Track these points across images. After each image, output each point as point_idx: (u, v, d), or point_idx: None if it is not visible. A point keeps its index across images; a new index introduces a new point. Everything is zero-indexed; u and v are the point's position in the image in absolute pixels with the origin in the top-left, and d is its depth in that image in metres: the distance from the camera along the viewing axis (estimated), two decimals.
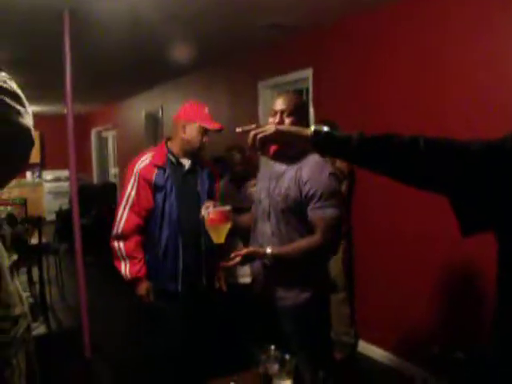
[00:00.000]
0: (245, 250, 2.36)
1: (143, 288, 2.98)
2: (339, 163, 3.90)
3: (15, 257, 4.24)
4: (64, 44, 3.92)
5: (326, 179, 2.39)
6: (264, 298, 2.54)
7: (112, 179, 12.33)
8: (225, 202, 2.66)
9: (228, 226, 2.41)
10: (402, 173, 1.45)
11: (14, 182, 11.30)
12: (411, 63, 3.86)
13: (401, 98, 3.96)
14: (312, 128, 1.53)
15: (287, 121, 2.42)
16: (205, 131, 2.98)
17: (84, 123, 12.87)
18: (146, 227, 3.00)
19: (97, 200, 9.53)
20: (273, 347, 2.27)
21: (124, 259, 2.97)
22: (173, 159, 3.04)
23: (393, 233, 4.09)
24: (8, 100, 1.30)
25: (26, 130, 1.33)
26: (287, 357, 2.18)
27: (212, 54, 6.00)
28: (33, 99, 9.21)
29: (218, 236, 2.40)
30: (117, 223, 2.99)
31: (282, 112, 2.44)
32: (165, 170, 2.99)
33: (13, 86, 1.36)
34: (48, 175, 12.91)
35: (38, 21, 4.13)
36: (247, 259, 2.37)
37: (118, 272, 3.00)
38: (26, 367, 1.58)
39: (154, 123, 9.37)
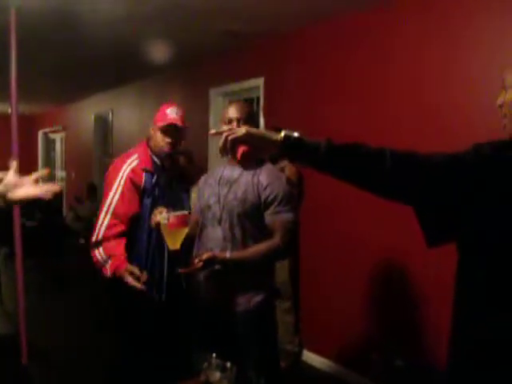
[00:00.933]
0: (206, 255, 2.32)
1: (126, 275, 2.64)
2: (288, 172, 3.93)
3: None
4: (10, 42, 3.81)
5: (284, 184, 2.46)
6: (213, 304, 2.52)
7: (59, 183, 12.05)
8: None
9: (185, 230, 2.39)
10: (367, 183, 1.48)
11: None
12: (362, 75, 3.95)
13: (351, 109, 4.03)
14: (282, 133, 1.53)
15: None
16: (164, 131, 2.86)
17: (30, 124, 12.54)
18: (131, 234, 2.82)
19: (42, 203, 9.29)
20: (214, 355, 2.25)
21: (106, 262, 2.75)
22: (158, 162, 2.92)
23: (337, 241, 4.15)
24: None
25: None
26: (228, 364, 2.17)
27: (165, 60, 5.95)
28: None
29: (175, 241, 2.37)
30: (97, 230, 2.81)
31: (238, 120, 2.45)
32: (153, 175, 2.87)
33: None
34: None
35: None
36: (208, 264, 2.32)
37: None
38: None
39: (103, 126, 9.23)
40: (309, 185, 4.17)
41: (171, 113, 2.89)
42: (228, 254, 2.39)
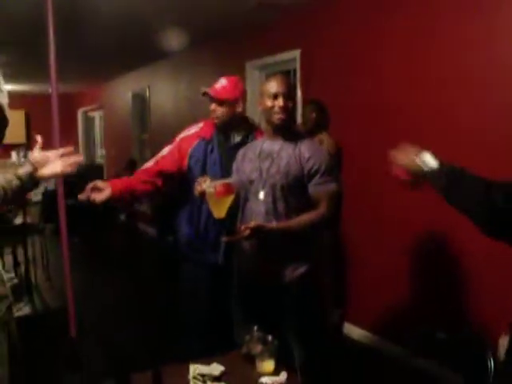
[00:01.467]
0: (253, 223, 2.33)
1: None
2: (326, 144, 3.90)
3: None
4: (48, 23, 3.85)
5: (325, 155, 2.51)
6: (257, 275, 2.54)
7: (99, 160, 12.24)
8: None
9: (231, 198, 2.44)
10: (480, 221, 1.49)
11: None
12: (403, 43, 3.84)
13: (390, 79, 3.95)
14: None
15: (290, 104, 2.48)
16: (210, 100, 2.95)
17: (70, 103, 12.73)
18: (184, 197, 2.99)
19: (83, 181, 9.47)
20: (255, 328, 2.28)
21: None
22: (219, 133, 2.99)
23: (377, 214, 4.11)
24: None
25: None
26: (270, 337, 2.20)
27: (200, 34, 5.93)
28: (17, 78, 9.09)
29: (220, 210, 2.42)
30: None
31: (283, 94, 2.46)
32: (208, 143, 2.96)
33: None
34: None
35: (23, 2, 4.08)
36: (254, 233, 2.33)
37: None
38: (8, 347, 1.58)
39: (141, 104, 9.31)
40: (347, 159, 4.14)
41: (216, 85, 2.98)
42: (275, 224, 2.41)
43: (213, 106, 2.94)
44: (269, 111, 2.49)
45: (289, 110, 2.48)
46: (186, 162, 2.95)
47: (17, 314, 4.75)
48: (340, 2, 4.34)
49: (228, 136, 2.98)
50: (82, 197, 2.72)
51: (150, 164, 3.02)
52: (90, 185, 2.74)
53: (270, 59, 5.30)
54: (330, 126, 4.10)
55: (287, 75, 2.68)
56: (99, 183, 2.75)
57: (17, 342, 1.67)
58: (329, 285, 4.21)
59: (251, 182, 2.54)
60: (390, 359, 3.92)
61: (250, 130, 3.00)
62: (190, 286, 3.05)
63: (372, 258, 4.17)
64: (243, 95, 3.02)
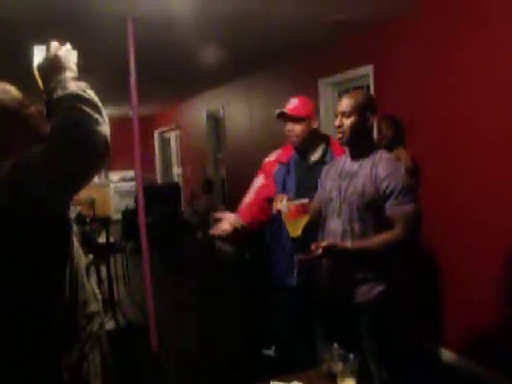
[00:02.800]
0: (326, 242, 2.36)
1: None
2: (403, 159, 3.84)
3: (91, 257, 4.41)
4: (128, 49, 4.04)
5: (402, 175, 2.44)
6: (335, 293, 2.55)
7: (176, 179, 12.57)
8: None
9: (306, 218, 2.45)
10: None
11: None
12: (480, 58, 3.73)
13: (468, 93, 3.85)
14: None
15: (347, 122, 2.48)
16: (286, 120, 3.01)
17: (147, 124, 13.19)
18: (271, 225, 3.06)
19: (161, 199, 9.76)
20: (336, 345, 2.27)
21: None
22: (296, 154, 3.08)
23: (458, 227, 3.99)
24: (87, 109, 1.38)
25: (104, 137, 1.39)
26: (351, 356, 2.19)
27: (273, 53, 6.01)
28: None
29: (296, 229, 2.44)
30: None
31: (343, 114, 2.50)
32: (286, 166, 3.05)
33: (91, 94, 1.44)
34: (114, 176, 13.29)
35: (103, 28, 4.29)
36: (327, 252, 2.35)
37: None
38: (101, 361, 1.67)
39: (215, 123, 9.51)
40: (424, 175, 4.06)
41: (289, 104, 3.06)
42: (349, 244, 2.40)
43: (289, 125, 2.99)
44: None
45: (350, 128, 2.48)
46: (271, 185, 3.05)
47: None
48: (412, 17, 4.29)
49: (305, 156, 3.02)
50: (214, 232, 2.89)
51: (250, 198, 3.09)
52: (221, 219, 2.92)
53: (342, 76, 5.30)
54: (406, 142, 4.05)
55: (361, 91, 2.67)
56: (227, 215, 2.94)
57: (108, 356, 1.75)
58: (411, 307, 4.11)
59: (331, 200, 2.56)
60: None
61: (326, 146, 3.03)
62: (275, 305, 3.13)
63: (463, 277, 4.03)
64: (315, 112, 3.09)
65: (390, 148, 3.90)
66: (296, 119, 2.97)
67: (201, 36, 4.91)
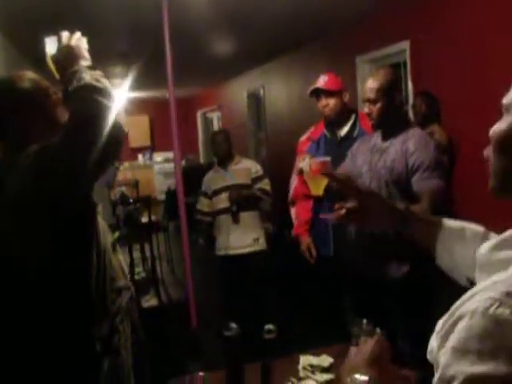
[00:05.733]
0: (350, 203, 2.39)
1: (303, 244, 3.25)
2: (438, 136, 3.80)
3: (117, 234, 4.54)
4: (164, 31, 4.08)
5: (432, 150, 2.44)
6: (364, 269, 2.57)
7: None
8: None
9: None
10: None
11: (127, 165, 11.98)
12: None
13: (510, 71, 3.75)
14: None
15: (374, 109, 2.49)
16: (316, 99, 3.11)
17: (190, 106, 13.30)
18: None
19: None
20: (365, 321, 2.29)
21: (294, 221, 3.35)
22: (326, 131, 3.17)
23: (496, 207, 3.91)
24: (102, 99, 1.44)
25: (119, 126, 1.46)
26: (378, 331, 2.20)
27: (311, 31, 5.97)
28: (140, 86, 9.66)
29: (317, 187, 2.43)
30: (290, 190, 3.34)
31: (369, 101, 2.50)
32: (316, 143, 3.15)
33: (106, 84, 1.50)
34: (158, 157, 13.48)
35: (138, 10, 4.36)
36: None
37: None
38: (132, 334, 1.75)
39: (256, 103, 9.52)
40: (463, 153, 4.00)
41: (321, 79, 3.15)
42: None
43: (323, 101, 3.07)
44: None
45: (378, 114, 2.49)
46: None
47: (145, 305, 5.11)
48: None
49: (334, 131, 3.05)
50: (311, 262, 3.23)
51: (297, 189, 3.23)
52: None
53: (379, 52, 5.24)
54: (442, 119, 3.98)
55: (383, 70, 2.62)
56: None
57: (140, 331, 1.84)
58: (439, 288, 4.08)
59: (361, 174, 2.58)
60: None
61: (355, 120, 3.06)
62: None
63: None
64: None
65: (424, 124, 3.86)
66: (330, 93, 3.05)
67: (239, 15, 4.93)
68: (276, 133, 8.35)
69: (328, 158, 2.49)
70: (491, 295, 0.76)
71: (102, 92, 1.46)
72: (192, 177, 7.79)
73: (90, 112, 1.42)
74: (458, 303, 0.84)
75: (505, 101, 1.06)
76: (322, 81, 3.08)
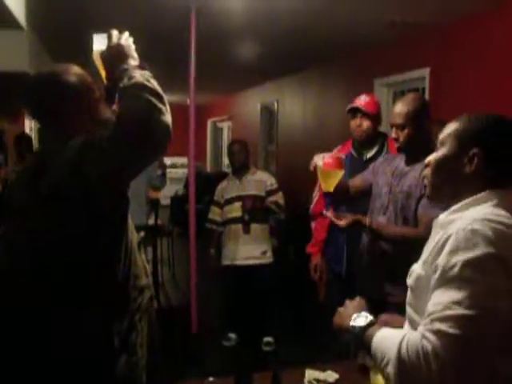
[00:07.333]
0: (352, 216, 2.48)
1: (312, 264, 3.36)
2: None
3: (142, 234, 4.55)
4: (190, 40, 4.13)
5: None
6: (371, 292, 2.59)
7: (225, 169, 12.68)
8: None
9: (341, 173, 2.46)
10: None
11: None
12: None
13: None
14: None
15: (402, 134, 2.48)
16: (352, 116, 3.10)
17: (200, 113, 13.32)
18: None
19: (210, 188, 9.85)
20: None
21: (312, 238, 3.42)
22: (353, 151, 3.18)
23: None
24: (152, 98, 1.47)
25: (166, 126, 1.49)
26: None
27: (328, 51, 6.03)
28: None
29: (328, 183, 2.43)
30: (312, 203, 3.38)
31: (397, 126, 2.49)
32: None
33: (155, 84, 1.53)
34: (165, 162, 13.44)
35: (166, 18, 4.43)
36: (351, 224, 2.46)
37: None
38: (148, 333, 1.78)
39: (269, 116, 9.57)
40: None
41: (358, 99, 3.15)
42: (368, 220, 2.51)
43: (358, 120, 3.06)
44: None
45: (405, 140, 2.48)
46: None
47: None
48: (472, 20, 4.24)
49: (361, 153, 3.08)
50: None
51: (317, 204, 3.31)
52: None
53: (398, 77, 5.28)
54: None
55: (413, 96, 2.62)
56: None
57: (156, 329, 1.86)
58: None
59: (380, 196, 2.60)
60: None
61: (382, 144, 3.09)
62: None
63: None
64: None
65: None
66: (367, 115, 3.05)
67: (259, 30, 4.99)
68: (287, 147, 8.38)
69: (342, 155, 2.51)
70: (464, 222, 1.24)
71: (152, 91, 1.49)
72: (199, 184, 7.83)
73: (141, 109, 1.45)
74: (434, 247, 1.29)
75: (441, 136, 1.44)
76: (362, 101, 3.07)
